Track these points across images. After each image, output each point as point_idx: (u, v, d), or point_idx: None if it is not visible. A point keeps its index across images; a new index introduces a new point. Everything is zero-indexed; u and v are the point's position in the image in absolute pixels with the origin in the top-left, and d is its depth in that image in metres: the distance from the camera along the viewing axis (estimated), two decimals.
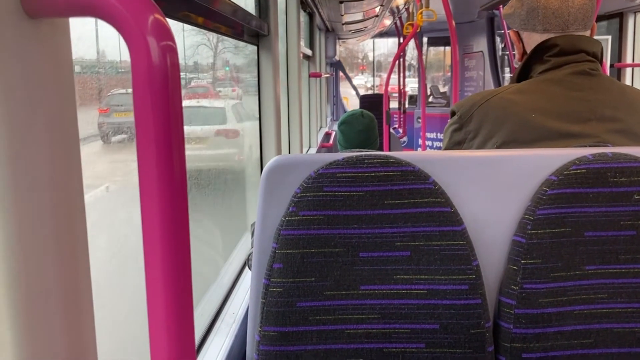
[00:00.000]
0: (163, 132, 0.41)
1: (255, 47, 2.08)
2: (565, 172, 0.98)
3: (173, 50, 0.41)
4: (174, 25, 1.48)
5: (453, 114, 1.32)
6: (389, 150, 4.99)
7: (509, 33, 1.38)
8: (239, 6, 1.58)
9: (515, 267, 0.98)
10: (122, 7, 0.40)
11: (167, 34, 0.41)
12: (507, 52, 6.52)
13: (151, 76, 0.40)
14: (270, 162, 1.02)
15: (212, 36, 2.10)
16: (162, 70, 0.40)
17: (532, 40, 1.31)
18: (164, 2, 1.10)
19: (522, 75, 1.32)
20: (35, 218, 0.43)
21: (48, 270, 0.45)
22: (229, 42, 2.23)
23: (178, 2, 1.19)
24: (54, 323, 0.45)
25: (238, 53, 2.46)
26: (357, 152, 1.02)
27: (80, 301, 0.49)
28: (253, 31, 1.92)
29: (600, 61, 1.26)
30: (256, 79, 2.12)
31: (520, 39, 1.36)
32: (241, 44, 2.12)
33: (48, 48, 0.44)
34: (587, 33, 1.28)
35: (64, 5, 0.42)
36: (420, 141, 6.35)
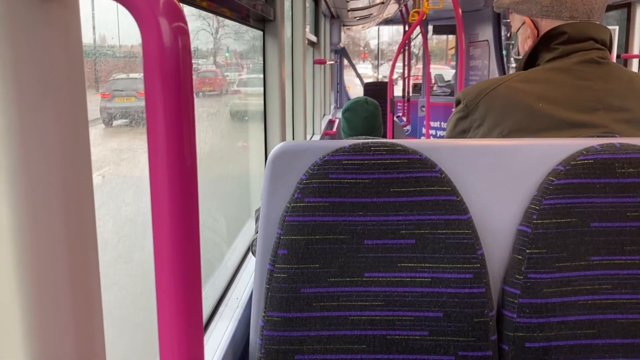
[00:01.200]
0: (174, 115, 0.40)
1: (261, 33, 2.07)
2: (572, 162, 0.97)
3: (185, 32, 0.40)
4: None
5: (458, 102, 1.31)
6: (393, 138, 4.97)
7: (523, 20, 1.34)
8: None
9: (520, 257, 0.98)
10: None
11: (179, 15, 0.40)
12: (512, 42, 6.48)
13: (162, 58, 0.39)
14: (275, 148, 1.02)
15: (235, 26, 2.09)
16: (173, 52, 0.39)
17: (548, 27, 1.28)
18: None
19: (529, 62, 1.31)
20: (45, 209, 0.43)
21: (57, 267, 0.44)
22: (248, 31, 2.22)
23: None
24: (63, 322, 0.45)
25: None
26: (363, 139, 1.02)
27: (90, 299, 0.49)
28: (259, 16, 1.91)
29: (610, 49, 1.24)
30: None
31: (536, 27, 1.33)
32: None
33: (58, 29, 0.44)
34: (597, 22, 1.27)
35: None
36: (423, 130, 6.33)
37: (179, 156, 0.41)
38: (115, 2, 0.40)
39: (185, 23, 0.41)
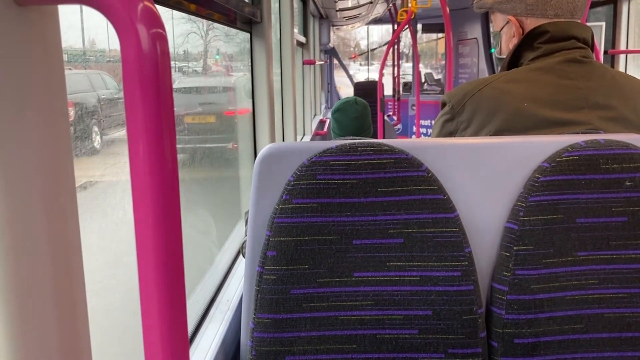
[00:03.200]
0: (154, 120, 0.40)
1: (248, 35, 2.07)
2: (557, 159, 0.98)
3: (163, 38, 0.40)
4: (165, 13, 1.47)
5: (444, 104, 1.32)
6: (384, 137, 4.98)
7: (507, 20, 1.35)
8: None
9: (507, 254, 0.98)
10: None
11: (157, 22, 0.40)
12: (494, 41, 6.50)
13: (141, 64, 0.39)
14: (263, 150, 1.02)
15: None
16: (152, 58, 0.40)
17: (532, 26, 1.29)
18: None
19: (512, 62, 1.32)
20: (26, 211, 0.43)
21: (41, 269, 0.44)
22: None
23: None
24: (47, 323, 0.45)
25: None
26: (351, 139, 1.02)
27: (74, 300, 0.49)
28: (246, 18, 1.91)
29: (592, 47, 1.25)
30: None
31: (520, 26, 1.33)
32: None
33: (37, 36, 0.44)
34: (579, 20, 1.28)
35: None
36: (414, 128, 6.35)
37: (160, 161, 0.41)
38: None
39: (164, 29, 0.41)
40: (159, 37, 0.40)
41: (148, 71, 0.40)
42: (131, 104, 0.40)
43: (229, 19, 1.78)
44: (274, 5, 3.02)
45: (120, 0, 0.39)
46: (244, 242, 1.29)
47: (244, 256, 1.20)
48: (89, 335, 0.51)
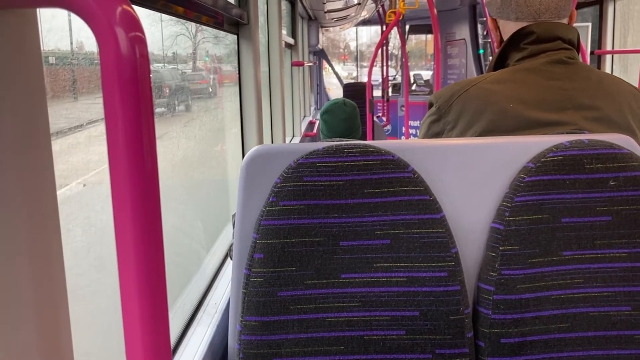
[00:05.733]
0: (133, 123, 0.40)
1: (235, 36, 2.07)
2: (542, 159, 0.99)
3: (142, 41, 0.40)
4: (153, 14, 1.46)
5: (431, 105, 1.32)
6: (373, 138, 4.99)
7: (488, 21, 1.39)
8: None
9: (493, 254, 0.99)
10: None
11: (136, 25, 0.40)
12: (490, 40, 6.55)
13: (120, 68, 0.39)
14: (250, 151, 1.02)
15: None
16: (131, 61, 0.39)
17: (508, 28, 1.32)
18: None
19: (498, 63, 1.33)
20: (6, 213, 0.43)
21: (21, 271, 0.44)
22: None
23: None
24: (28, 325, 0.45)
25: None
26: (337, 141, 1.02)
27: (56, 302, 0.49)
28: (233, 20, 1.91)
29: (577, 48, 1.26)
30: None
31: (497, 27, 1.36)
32: None
33: (15, 39, 0.44)
34: (565, 21, 1.29)
35: None
36: (404, 129, 6.37)
37: (140, 164, 0.41)
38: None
39: (143, 32, 0.41)
40: (138, 41, 0.40)
41: (127, 74, 0.39)
42: (110, 107, 0.40)
43: (216, 21, 1.78)
44: (262, 7, 3.02)
45: (98, 4, 0.39)
46: (232, 244, 1.29)
47: (231, 259, 1.20)
48: (71, 335, 0.51)
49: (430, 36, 10.61)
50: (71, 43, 1.10)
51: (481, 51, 6.87)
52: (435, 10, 3.17)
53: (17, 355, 0.44)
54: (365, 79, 5.80)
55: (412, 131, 7.90)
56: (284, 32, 3.69)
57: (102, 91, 0.40)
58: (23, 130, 0.45)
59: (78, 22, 0.41)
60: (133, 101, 0.40)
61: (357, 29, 14.64)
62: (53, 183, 0.49)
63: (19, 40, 0.44)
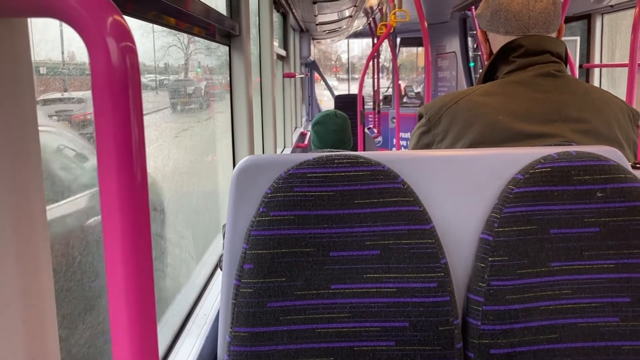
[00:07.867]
0: (124, 133, 0.40)
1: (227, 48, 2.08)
2: (531, 171, 0.99)
3: (133, 52, 0.41)
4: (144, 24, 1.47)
5: (420, 116, 1.33)
6: (364, 150, 5.01)
7: (478, 33, 1.41)
8: (210, 7, 1.58)
9: (482, 265, 0.99)
10: (81, 8, 0.39)
11: (127, 35, 0.40)
12: (480, 53, 6.61)
13: (111, 78, 0.39)
14: (240, 162, 1.02)
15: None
16: (122, 71, 0.40)
17: (497, 41, 1.33)
18: (133, 3, 1.09)
19: (488, 75, 1.34)
20: None
21: (8, 274, 0.44)
22: None
23: (148, 3, 1.18)
24: (14, 326, 0.45)
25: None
26: (328, 152, 1.03)
27: (43, 305, 0.48)
28: (224, 31, 1.92)
29: (565, 62, 1.28)
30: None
31: (487, 40, 1.38)
32: None
33: (5, 49, 0.44)
34: (553, 35, 1.31)
35: (21, 5, 0.41)
36: (395, 141, 6.40)
37: (130, 173, 0.41)
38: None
39: (133, 42, 0.41)
40: (129, 51, 0.40)
41: (118, 84, 0.40)
42: (101, 117, 0.40)
43: (208, 33, 1.79)
44: (254, 19, 3.03)
45: (89, 14, 0.39)
46: (222, 255, 1.29)
47: (221, 269, 1.20)
48: (57, 337, 0.51)
49: (421, 49, 10.69)
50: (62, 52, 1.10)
51: (471, 64, 6.93)
52: (425, 23, 3.20)
53: (3, 358, 0.44)
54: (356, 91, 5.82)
55: (403, 143, 7.93)
56: (275, 43, 3.70)
57: (93, 101, 0.40)
58: (12, 139, 0.45)
59: (69, 32, 0.41)
60: (123, 111, 0.40)
61: (348, 41, 14.73)
62: (41, 190, 0.49)
63: (10, 49, 0.45)
